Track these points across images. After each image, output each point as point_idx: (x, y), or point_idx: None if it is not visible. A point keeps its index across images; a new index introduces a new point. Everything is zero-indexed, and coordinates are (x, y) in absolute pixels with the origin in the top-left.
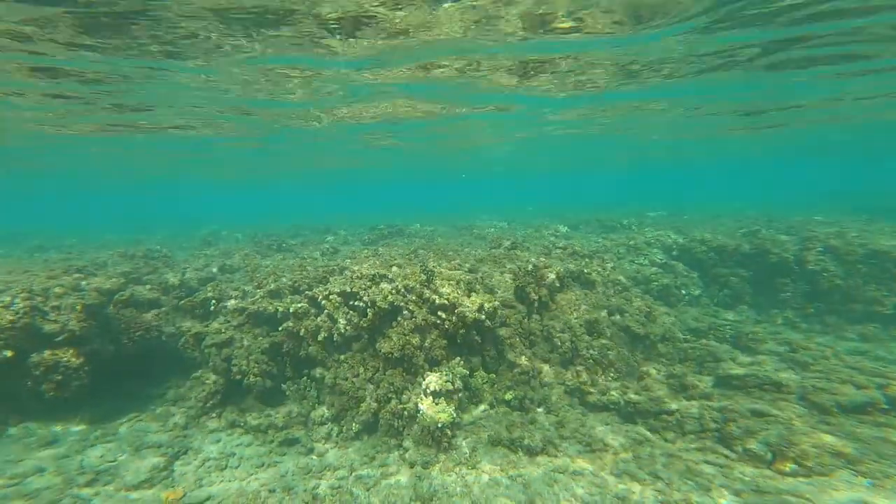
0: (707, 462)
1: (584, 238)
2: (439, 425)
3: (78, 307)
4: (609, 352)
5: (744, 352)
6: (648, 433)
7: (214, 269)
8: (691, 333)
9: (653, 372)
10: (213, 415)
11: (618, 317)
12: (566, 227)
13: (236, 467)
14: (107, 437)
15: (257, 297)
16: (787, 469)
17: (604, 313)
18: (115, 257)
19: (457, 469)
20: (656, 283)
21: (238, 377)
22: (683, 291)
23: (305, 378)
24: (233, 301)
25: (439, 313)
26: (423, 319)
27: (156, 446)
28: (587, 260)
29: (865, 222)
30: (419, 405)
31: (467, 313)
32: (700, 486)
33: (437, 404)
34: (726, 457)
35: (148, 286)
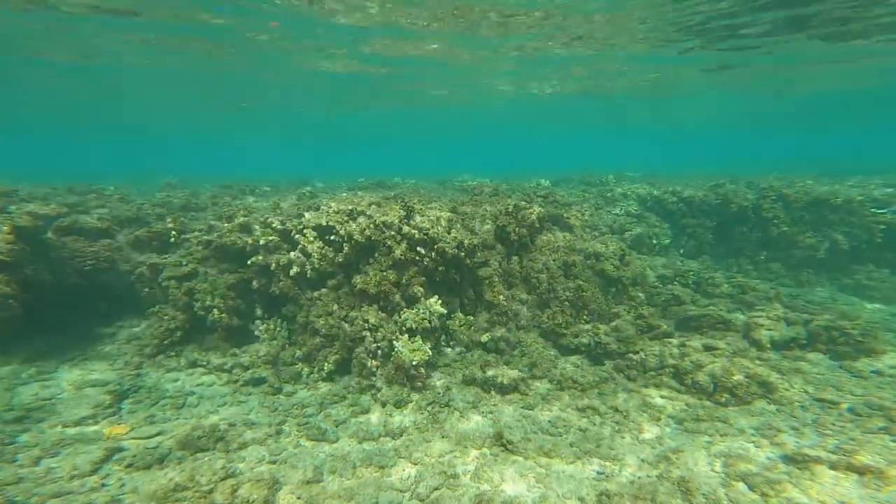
0: (662, 397)
1: (566, 191)
2: (414, 363)
3: (5, 228)
4: (584, 293)
5: (703, 296)
6: (614, 372)
7: (175, 208)
8: (659, 280)
9: (623, 314)
10: (172, 353)
11: (593, 260)
12: (548, 182)
13: (195, 406)
14: (43, 374)
15: (224, 230)
16: (723, 399)
17: (580, 257)
18: (62, 192)
19: (429, 408)
20: (630, 233)
21: (201, 313)
22: (654, 241)
23: (276, 318)
24: (196, 233)
25: (418, 249)
26: (401, 255)
27: (102, 384)
28: (566, 208)
29: (813, 177)
30: (394, 343)
31: (447, 249)
32: (651, 417)
33: (412, 342)
34: (676, 390)
35: (97, 216)
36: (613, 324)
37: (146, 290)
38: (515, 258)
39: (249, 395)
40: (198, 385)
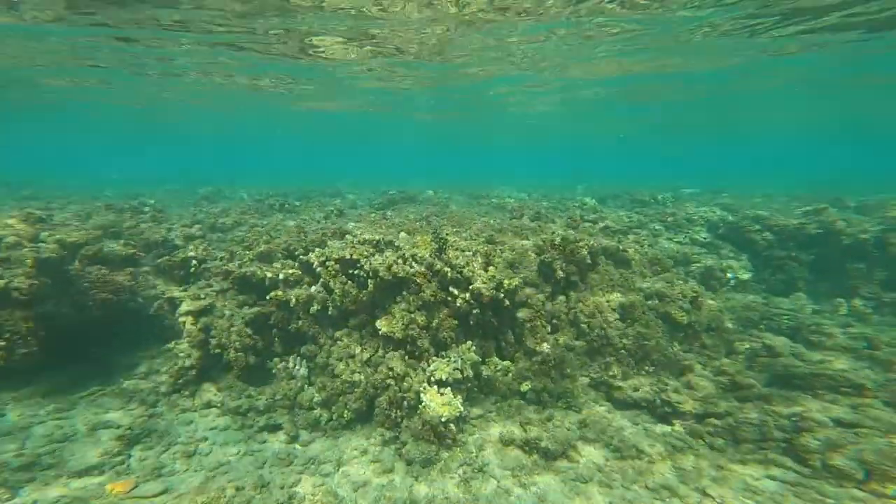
0: (771, 478)
1: (614, 213)
2: (444, 419)
3: (28, 262)
4: (646, 341)
5: (807, 347)
6: (691, 439)
7: (204, 227)
8: (739, 323)
9: (697, 367)
10: (186, 392)
11: (656, 301)
12: (593, 200)
13: (207, 454)
14: (60, 412)
15: (245, 259)
16: (889, 491)
17: (640, 297)
18: (101, 209)
19: (460, 471)
20: (697, 265)
21: (217, 351)
22: (729, 275)
23: (295, 355)
24: (217, 262)
25: (451, 289)
26: (431, 295)
27: (115, 426)
28: (620, 236)
29: None
30: (422, 395)
31: (483, 291)
32: None
33: (442, 395)
34: (798, 472)
35: (124, 241)
36: (685, 378)
37: (167, 321)
38: (562, 297)
39: (264, 443)
40: (211, 429)
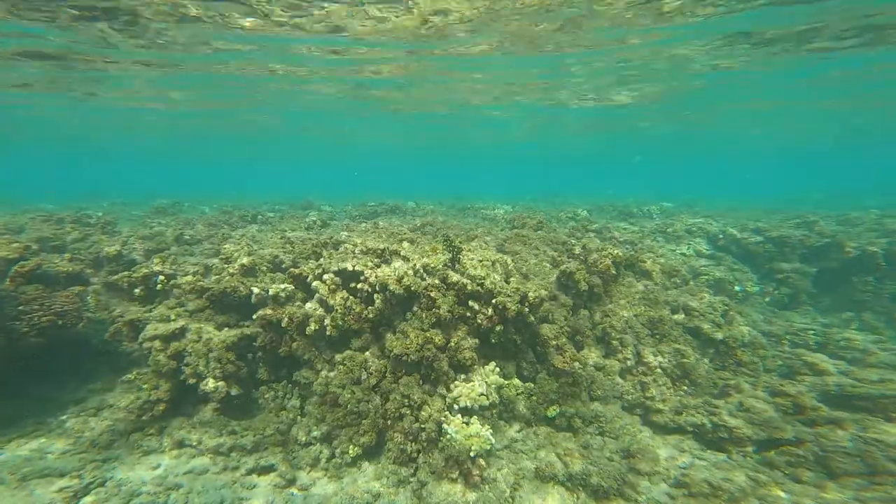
0: None
1: (609, 223)
2: (472, 454)
3: None
4: (684, 359)
5: (849, 362)
6: (767, 470)
7: (167, 240)
8: (765, 338)
9: (744, 386)
10: (152, 431)
11: (682, 315)
12: (585, 211)
13: None
14: None
15: (224, 273)
16: None
17: (667, 311)
18: (36, 221)
19: None
20: (707, 277)
21: (192, 381)
22: (737, 287)
23: (285, 382)
24: (189, 277)
25: (471, 303)
26: (448, 311)
27: (58, 475)
28: (628, 246)
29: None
30: (445, 426)
31: (509, 305)
32: None
33: (468, 426)
34: None
35: (68, 256)
36: (735, 400)
37: (124, 348)
38: (584, 312)
39: (254, 487)
40: (186, 473)
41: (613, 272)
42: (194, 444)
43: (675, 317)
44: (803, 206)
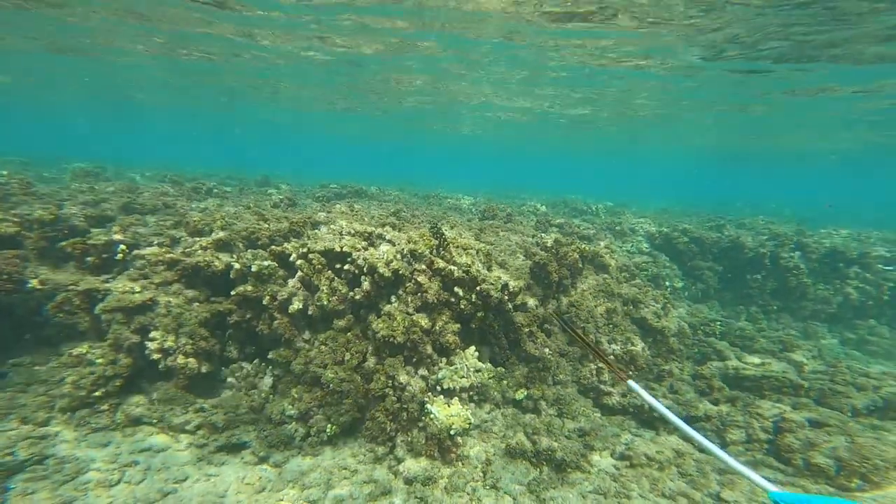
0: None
1: (569, 220)
2: (453, 431)
3: None
4: (632, 347)
5: (744, 350)
6: (682, 444)
7: (114, 208)
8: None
9: (675, 371)
10: (104, 406)
11: (630, 307)
12: (544, 206)
13: (138, 482)
14: None
15: (196, 246)
16: (854, 484)
17: (619, 303)
18: None
19: (468, 488)
20: (646, 273)
21: (156, 356)
22: (667, 283)
23: (258, 361)
24: (155, 248)
25: (455, 289)
26: (434, 296)
27: None
28: (586, 241)
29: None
30: (427, 405)
31: (492, 292)
32: None
33: (449, 406)
34: (783, 472)
35: (1, 215)
36: (667, 383)
37: (68, 320)
38: (553, 302)
39: (223, 464)
40: (143, 450)
41: (580, 265)
42: (154, 421)
43: (626, 308)
44: (728, 211)
